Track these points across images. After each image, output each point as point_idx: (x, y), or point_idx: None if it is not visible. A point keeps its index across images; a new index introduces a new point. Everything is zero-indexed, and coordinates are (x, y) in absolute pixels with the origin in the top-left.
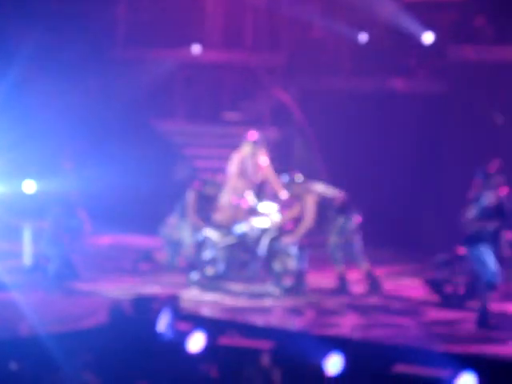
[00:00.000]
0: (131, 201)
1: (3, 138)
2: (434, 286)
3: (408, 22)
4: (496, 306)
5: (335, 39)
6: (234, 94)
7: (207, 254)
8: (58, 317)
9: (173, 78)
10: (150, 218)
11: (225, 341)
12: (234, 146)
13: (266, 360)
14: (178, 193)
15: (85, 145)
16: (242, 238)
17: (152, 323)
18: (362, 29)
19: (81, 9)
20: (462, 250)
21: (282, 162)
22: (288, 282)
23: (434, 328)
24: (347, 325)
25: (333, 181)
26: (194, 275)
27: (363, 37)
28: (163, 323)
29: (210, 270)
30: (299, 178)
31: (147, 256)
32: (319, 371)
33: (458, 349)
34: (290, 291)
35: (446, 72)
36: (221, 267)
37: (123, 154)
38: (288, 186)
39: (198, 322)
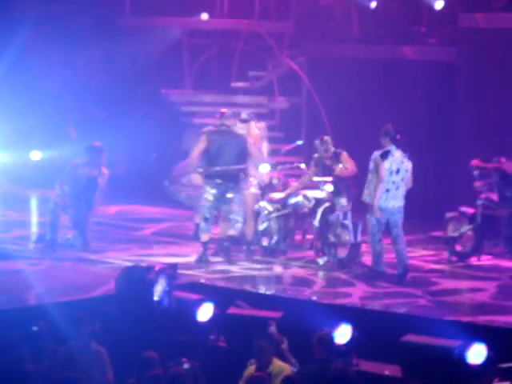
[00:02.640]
0: (140, 170)
1: (8, 107)
2: (445, 243)
3: None
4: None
5: (344, 6)
6: (242, 62)
7: (262, 225)
8: (65, 286)
9: (180, 46)
10: (158, 188)
11: (233, 310)
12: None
13: (274, 329)
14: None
15: (91, 114)
16: (296, 208)
17: (143, 292)
18: None
19: None
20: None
21: (291, 131)
22: (342, 253)
23: (445, 298)
24: (356, 294)
25: (342, 147)
26: (249, 246)
27: (372, 4)
28: (158, 292)
29: (264, 241)
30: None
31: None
32: (329, 340)
33: (468, 319)
34: (344, 263)
35: (456, 39)
36: (274, 238)
37: (131, 123)
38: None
39: (206, 291)
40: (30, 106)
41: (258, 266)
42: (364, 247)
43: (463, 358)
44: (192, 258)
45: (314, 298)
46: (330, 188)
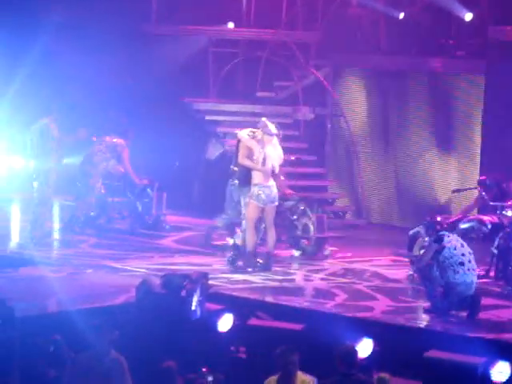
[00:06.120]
0: (162, 178)
1: (31, 113)
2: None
3: (447, 0)
4: None
5: (372, 16)
6: (267, 72)
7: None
8: (85, 293)
9: (206, 55)
10: (181, 196)
11: (254, 321)
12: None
13: (295, 342)
14: (209, 171)
15: (114, 119)
16: (466, 233)
17: (182, 301)
18: (399, 6)
19: None
20: None
21: (315, 141)
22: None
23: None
24: (379, 308)
25: (367, 159)
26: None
27: (400, 14)
28: (194, 302)
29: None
30: None
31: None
32: (352, 354)
33: (493, 336)
34: None
35: (485, 52)
36: None
37: (153, 131)
38: None
39: (227, 301)
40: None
41: (280, 278)
42: None
43: (487, 375)
44: (213, 268)
45: (336, 310)
46: (510, 213)
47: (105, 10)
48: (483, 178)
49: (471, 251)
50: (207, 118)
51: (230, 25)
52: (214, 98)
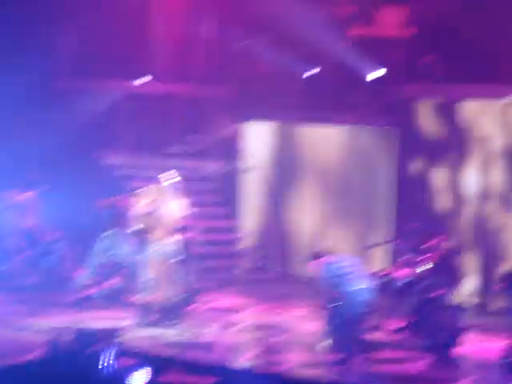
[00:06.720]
0: (76, 233)
1: None
2: None
3: (358, 58)
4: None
5: (284, 73)
6: (180, 126)
7: None
8: None
9: (118, 109)
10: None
11: (168, 377)
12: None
13: None
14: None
15: (31, 179)
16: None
17: (94, 357)
18: (310, 63)
19: (23, 39)
20: None
21: (228, 195)
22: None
23: (383, 367)
24: (293, 362)
25: (279, 210)
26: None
27: (312, 71)
28: (104, 358)
29: None
30: None
31: None
32: None
33: None
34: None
35: (395, 109)
36: None
37: (65, 185)
38: None
39: (141, 357)
40: None
41: (195, 331)
42: None
43: None
44: (126, 323)
45: (249, 365)
46: (424, 267)
47: (18, 65)
48: (413, 225)
49: (358, 261)
50: (120, 172)
51: (144, 79)
52: (127, 152)
